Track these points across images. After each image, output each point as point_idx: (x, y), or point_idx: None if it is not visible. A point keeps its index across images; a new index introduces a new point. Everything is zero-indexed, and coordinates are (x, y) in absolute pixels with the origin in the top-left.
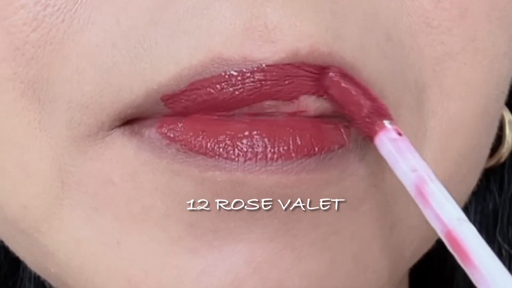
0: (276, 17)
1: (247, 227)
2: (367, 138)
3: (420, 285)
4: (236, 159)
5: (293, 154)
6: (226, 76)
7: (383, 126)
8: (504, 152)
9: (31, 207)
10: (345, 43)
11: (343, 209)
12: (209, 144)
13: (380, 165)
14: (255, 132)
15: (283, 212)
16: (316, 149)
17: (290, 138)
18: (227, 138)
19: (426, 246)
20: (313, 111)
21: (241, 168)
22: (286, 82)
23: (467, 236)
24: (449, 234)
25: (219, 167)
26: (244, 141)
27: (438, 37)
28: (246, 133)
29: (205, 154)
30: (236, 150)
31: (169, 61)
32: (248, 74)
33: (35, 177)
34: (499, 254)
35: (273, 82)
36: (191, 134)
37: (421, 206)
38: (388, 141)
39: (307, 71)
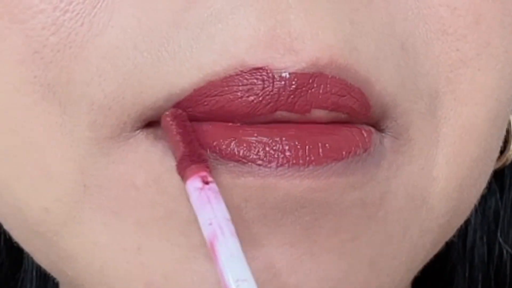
0: (299, 25)
1: (269, 233)
2: (384, 139)
3: (420, 286)
4: (269, 165)
5: (323, 159)
6: (249, 85)
7: (191, 173)
8: (510, 154)
9: (52, 210)
10: (361, 56)
11: (362, 216)
12: (241, 152)
13: (393, 169)
14: (284, 138)
15: (306, 218)
16: (344, 153)
17: (320, 144)
18: (259, 145)
19: (437, 247)
20: (325, 120)
21: (273, 174)
22: (302, 94)
23: None
24: None
25: (252, 173)
26: (276, 147)
27: (454, 44)
28: (277, 139)
29: (238, 161)
30: (269, 156)
31: (192, 65)
32: (269, 83)
33: (56, 180)
34: (500, 255)
35: (290, 92)
36: (221, 140)
37: (213, 262)
38: (192, 190)
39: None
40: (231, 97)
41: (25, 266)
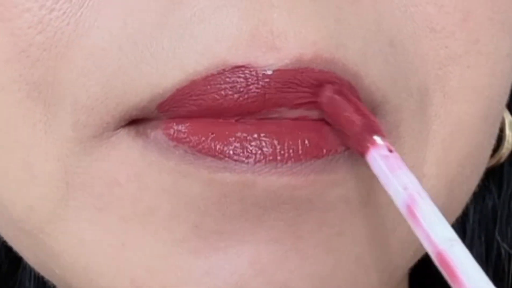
0: (281, 23)
1: (253, 228)
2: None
3: (419, 285)
4: (246, 160)
5: (302, 156)
6: (231, 83)
7: (374, 143)
8: (504, 152)
9: (36, 208)
10: (348, 51)
11: (347, 211)
12: (218, 146)
13: None
14: (263, 135)
15: (289, 214)
16: (324, 151)
17: (299, 141)
18: (236, 140)
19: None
20: (316, 116)
21: (251, 170)
22: (290, 89)
23: (457, 258)
24: (439, 255)
25: (229, 169)
26: (254, 143)
27: (442, 42)
28: (255, 135)
29: (214, 156)
30: (246, 151)
31: (175, 66)
32: (253, 80)
33: (40, 178)
34: (498, 254)
35: (277, 88)
36: (199, 135)
37: (412, 225)
38: (379, 158)
39: (308, 82)
40: (216, 96)
41: (23, 266)
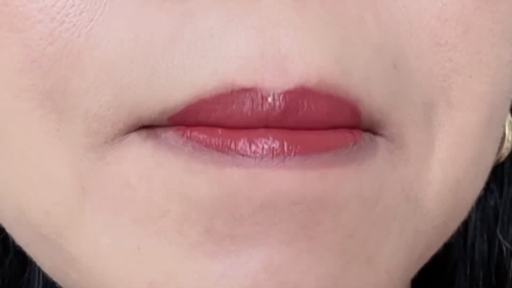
0: (288, 43)
1: (264, 232)
2: (374, 138)
3: (421, 287)
4: (253, 155)
5: (310, 150)
6: (238, 103)
7: None
8: (504, 152)
9: (53, 213)
10: (352, 77)
11: (359, 210)
12: (226, 142)
13: (389, 165)
14: (271, 134)
15: (300, 215)
16: (333, 144)
17: (306, 136)
18: (244, 136)
19: (432, 251)
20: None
21: (258, 164)
22: (292, 113)
23: None
24: None
25: (237, 163)
26: (261, 138)
27: (446, 55)
28: (263, 132)
29: (222, 151)
30: (253, 146)
31: (186, 82)
32: (257, 103)
33: (55, 184)
34: (500, 252)
35: (280, 112)
36: (208, 133)
37: None
38: None
39: (311, 109)
40: (222, 114)
41: (32, 266)
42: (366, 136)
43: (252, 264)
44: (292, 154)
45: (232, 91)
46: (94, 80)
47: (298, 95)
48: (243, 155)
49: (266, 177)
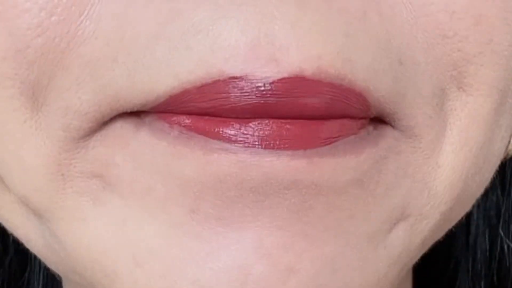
0: (284, 36)
1: (253, 215)
2: (380, 127)
3: (423, 284)
4: (243, 141)
5: (304, 143)
6: (225, 92)
7: None
8: (511, 149)
9: (31, 199)
10: (357, 67)
11: (360, 194)
12: (214, 127)
13: (394, 151)
14: (264, 120)
15: (293, 200)
16: (327, 135)
17: (301, 125)
18: (233, 122)
19: (437, 236)
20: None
21: (248, 151)
22: (287, 104)
23: None
24: None
25: (225, 150)
26: (252, 124)
27: (455, 46)
28: (254, 119)
29: (210, 136)
30: (243, 133)
31: (168, 74)
32: (247, 92)
33: (33, 172)
34: (502, 249)
35: (272, 102)
36: (194, 117)
37: None
38: None
39: (308, 95)
40: (209, 105)
41: (32, 266)
42: (371, 126)
43: (241, 245)
44: (284, 146)
45: (218, 80)
46: (77, 78)
47: (294, 84)
48: (232, 141)
49: (256, 163)
